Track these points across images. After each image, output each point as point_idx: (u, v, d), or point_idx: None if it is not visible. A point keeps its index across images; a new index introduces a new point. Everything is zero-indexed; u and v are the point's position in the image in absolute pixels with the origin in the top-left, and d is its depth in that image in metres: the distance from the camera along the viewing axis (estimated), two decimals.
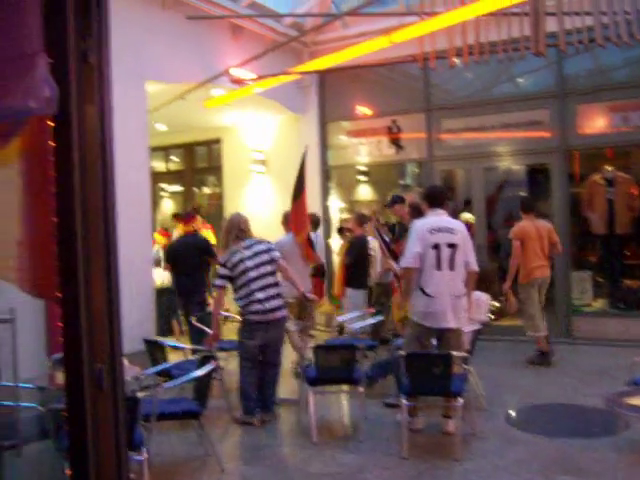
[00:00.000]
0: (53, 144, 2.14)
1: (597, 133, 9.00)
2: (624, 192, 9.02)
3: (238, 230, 5.83)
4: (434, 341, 5.45)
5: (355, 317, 7.42)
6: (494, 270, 9.66)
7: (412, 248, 5.38)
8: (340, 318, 7.66)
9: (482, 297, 6.25)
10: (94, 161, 2.15)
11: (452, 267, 5.34)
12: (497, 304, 7.16)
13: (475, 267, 5.53)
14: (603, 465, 4.64)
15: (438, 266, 5.31)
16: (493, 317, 6.79)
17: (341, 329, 7.82)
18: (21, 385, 3.51)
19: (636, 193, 9.11)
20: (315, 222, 8.37)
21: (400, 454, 4.97)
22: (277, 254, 5.89)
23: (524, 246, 7.71)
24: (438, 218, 5.50)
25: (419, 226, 5.47)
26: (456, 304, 5.37)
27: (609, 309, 9.08)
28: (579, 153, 9.58)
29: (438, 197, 5.68)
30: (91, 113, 2.13)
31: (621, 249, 9.46)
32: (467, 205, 10.34)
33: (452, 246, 5.34)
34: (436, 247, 5.31)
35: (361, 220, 8.37)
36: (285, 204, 11.00)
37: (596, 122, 9.00)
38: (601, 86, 8.94)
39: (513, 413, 5.94)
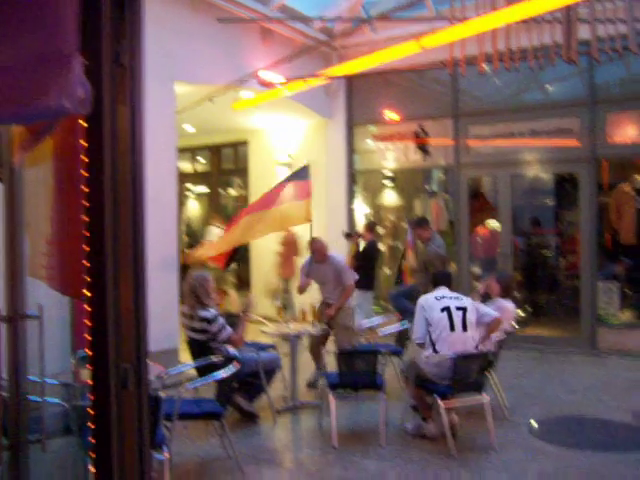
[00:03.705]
0: (85, 144, 2.17)
1: (627, 142, 8.87)
2: None
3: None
4: None
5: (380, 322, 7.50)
6: (513, 277, 9.58)
7: (419, 321, 5.52)
8: (363, 323, 7.66)
9: (509, 306, 6.19)
10: (125, 161, 2.17)
11: (465, 328, 5.40)
12: (523, 313, 7.15)
13: (493, 315, 5.66)
14: None
15: (452, 327, 5.36)
16: (517, 327, 6.72)
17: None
18: (47, 381, 3.55)
19: None
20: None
21: (422, 461, 4.94)
22: None
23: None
24: (440, 291, 5.65)
25: (424, 298, 5.62)
26: None
27: (636, 321, 8.94)
28: (608, 162, 9.45)
29: (440, 279, 5.87)
30: (123, 114, 2.15)
31: None
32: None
33: (462, 309, 5.44)
34: (446, 309, 5.40)
35: (371, 226, 9.30)
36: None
37: (627, 131, 8.88)
38: (632, 95, 8.83)
39: (536, 424, 5.87)
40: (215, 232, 11.00)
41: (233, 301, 10.52)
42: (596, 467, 4.83)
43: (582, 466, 4.86)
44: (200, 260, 8.03)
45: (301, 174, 7.40)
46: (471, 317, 5.45)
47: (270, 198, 7.25)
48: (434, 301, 5.49)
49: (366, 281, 8.45)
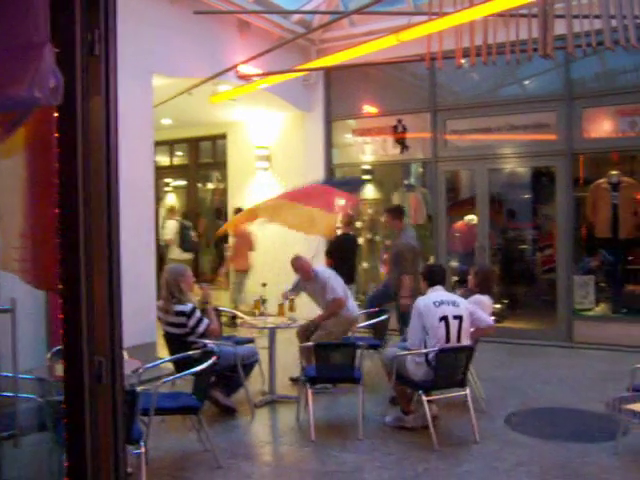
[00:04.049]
0: (57, 134, 2.14)
1: (603, 137, 8.96)
2: (629, 197, 8.98)
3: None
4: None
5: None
6: (493, 270, 9.66)
7: (416, 329, 5.43)
8: None
9: (485, 300, 6.23)
10: (98, 153, 2.15)
11: (459, 339, 5.36)
12: (499, 306, 7.23)
13: (488, 322, 5.67)
14: (601, 470, 4.63)
15: (447, 338, 5.31)
16: (494, 318, 6.76)
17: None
18: (20, 376, 3.51)
19: None
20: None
21: (400, 454, 4.97)
22: None
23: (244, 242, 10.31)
24: (438, 293, 5.56)
25: (422, 302, 5.49)
26: None
27: (611, 314, 9.05)
28: (584, 157, 9.55)
29: (436, 275, 5.78)
30: (96, 105, 2.13)
31: (624, 254, 9.44)
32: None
33: (458, 318, 5.37)
34: (444, 319, 5.32)
35: (348, 220, 9.22)
36: None
37: (602, 126, 8.97)
38: (608, 90, 8.92)
39: (513, 416, 5.92)
40: (172, 225, 11.27)
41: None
42: (570, 456, 4.88)
43: (557, 456, 4.92)
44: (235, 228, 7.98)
45: (353, 185, 7.15)
46: (466, 326, 5.40)
47: (312, 195, 6.96)
48: (432, 307, 5.36)
49: (346, 275, 8.41)
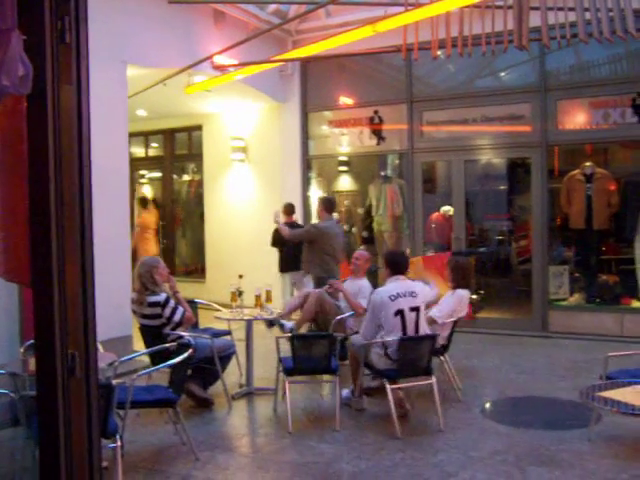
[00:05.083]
0: (27, 125, 2.09)
1: (577, 129, 9.04)
2: (602, 188, 9.08)
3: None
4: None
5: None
6: (471, 263, 9.71)
7: (370, 322, 5.46)
8: None
9: (464, 294, 6.26)
10: (70, 143, 2.11)
11: (417, 330, 5.37)
12: (475, 296, 7.28)
13: (435, 322, 5.77)
14: (575, 456, 4.69)
15: (404, 332, 5.31)
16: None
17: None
18: None
19: (614, 189, 9.18)
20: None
21: (377, 444, 4.99)
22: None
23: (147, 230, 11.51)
24: (397, 284, 5.52)
25: (378, 295, 5.47)
26: None
27: (585, 304, 9.16)
28: (559, 148, 9.63)
29: (400, 264, 5.72)
30: (67, 94, 2.09)
31: (598, 244, 9.55)
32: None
33: (415, 309, 5.37)
34: (399, 313, 5.31)
35: (289, 209, 9.37)
36: (264, 192, 11.08)
37: (576, 118, 9.05)
38: (582, 82, 9.00)
39: (488, 405, 5.98)
40: None
41: None
42: (544, 444, 4.94)
43: (532, 444, 4.97)
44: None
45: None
46: (423, 318, 5.44)
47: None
48: (388, 302, 5.34)
49: (292, 263, 8.85)
